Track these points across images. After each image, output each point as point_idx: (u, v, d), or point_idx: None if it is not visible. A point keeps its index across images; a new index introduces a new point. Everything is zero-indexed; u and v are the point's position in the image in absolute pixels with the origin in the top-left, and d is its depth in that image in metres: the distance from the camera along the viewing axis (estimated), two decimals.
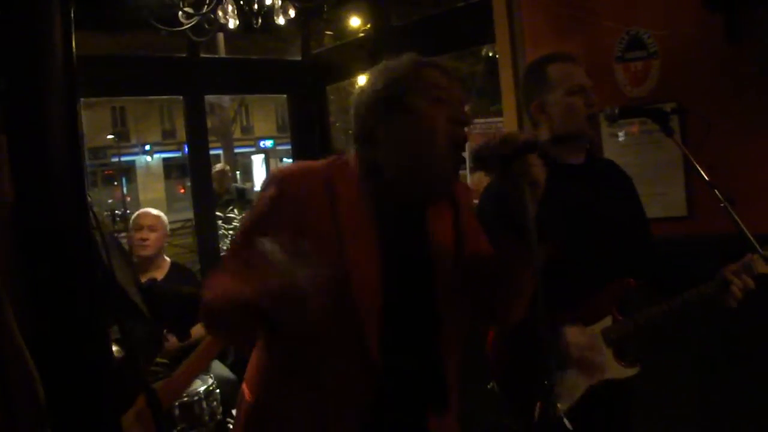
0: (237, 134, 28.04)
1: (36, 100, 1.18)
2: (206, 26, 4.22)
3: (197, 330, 3.15)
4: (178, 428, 3.25)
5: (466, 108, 1.63)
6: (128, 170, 30.69)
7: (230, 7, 4.09)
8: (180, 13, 4.08)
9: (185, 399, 3.28)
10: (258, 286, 1.33)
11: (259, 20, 4.29)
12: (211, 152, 7.06)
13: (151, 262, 4.02)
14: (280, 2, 4.22)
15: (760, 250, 2.10)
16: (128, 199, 28.46)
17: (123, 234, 4.58)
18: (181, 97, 5.61)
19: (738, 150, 3.00)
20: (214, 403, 3.46)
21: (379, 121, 1.60)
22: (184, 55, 5.48)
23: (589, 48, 3.43)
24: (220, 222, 7.01)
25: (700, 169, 2.16)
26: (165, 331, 3.46)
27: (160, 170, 31.80)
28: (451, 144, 1.55)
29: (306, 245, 1.30)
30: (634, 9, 3.32)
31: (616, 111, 2.27)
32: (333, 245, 1.54)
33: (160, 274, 3.99)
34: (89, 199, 1.30)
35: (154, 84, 5.56)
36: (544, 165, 1.46)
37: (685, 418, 3.19)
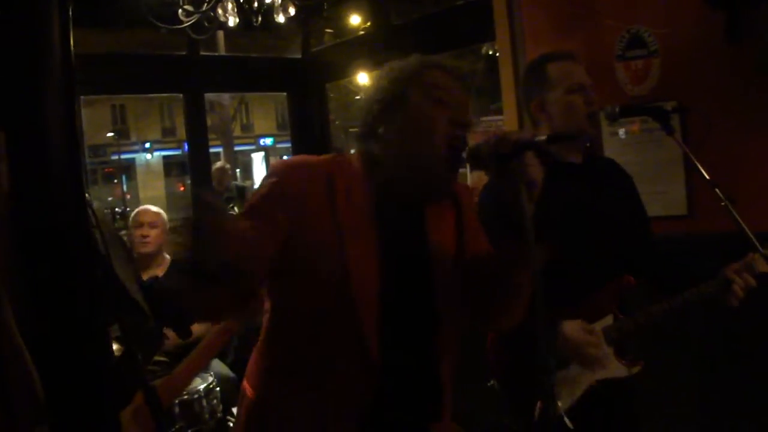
0: (237, 132, 28.01)
1: (34, 98, 1.18)
2: (206, 24, 4.22)
3: (198, 328, 3.14)
4: (178, 426, 3.25)
5: (470, 111, 1.63)
6: (128, 168, 30.66)
7: (230, 5, 4.09)
8: (180, 11, 4.08)
9: (185, 397, 3.27)
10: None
11: (259, 18, 4.29)
12: (211, 150, 7.07)
13: (152, 259, 4.02)
14: (280, 0, 4.21)
15: (761, 249, 2.10)
16: (128, 196, 28.43)
17: (123, 231, 4.58)
18: (181, 95, 5.61)
19: (739, 148, 3.00)
20: (215, 401, 3.45)
21: (382, 118, 1.62)
22: (184, 53, 5.48)
23: (589, 46, 3.43)
24: None
25: (700, 167, 2.16)
26: (165, 328, 3.47)
27: (160, 168, 31.77)
28: (449, 145, 1.55)
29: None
30: (635, 7, 3.31)
31: (617, 109, 2.27)
32: (333, 242, 1.54)
33: (161, 271, 3.99)
34: (88, 196, 1.30)
35: (154, 82, 5.57)
36: (541, 164, 1.46)
37: (685, 416, 3.19)
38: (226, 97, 18.72)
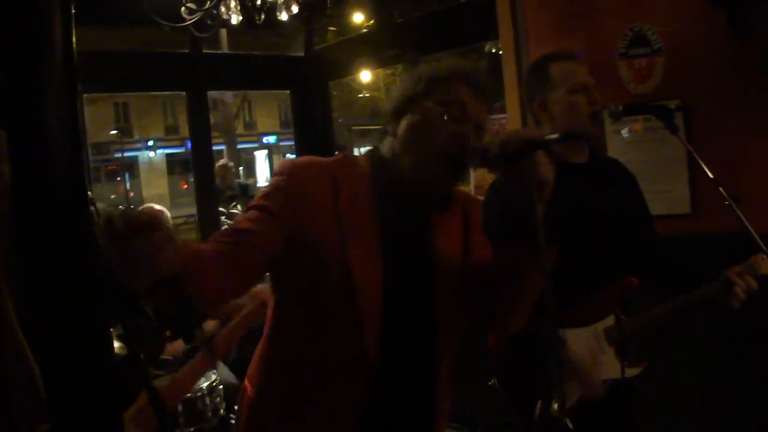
0: (240, 130, 28.02)
1: (36, 96, 1.18)
2: (209, 22, 4.22)
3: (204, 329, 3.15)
4: (181, 424, 3.25)
5: (485, 130, 1.62)
6: (131, 166, 30.73)
7: (233, 3, 4.09)
8: (183, 8, 4.08)
9: (188, 395, 3.28)
10: None
11: (262, 16, 4.28)
12: (214, 148, 7.06)
13: None
14: None
15: (765, 249, 2.10)
16: (131, 194, 28.49)
17: None
18: (184, 93, 5.61)
19: (743, 147, 2.99)
20: (218, 399, 3.46)
21: (395, 117, 1.65)
22: (186, 50, 5.48)
23: (592, 44, 3.42)
24: (223, 218, 7.02)
25: (704, 166, 2.16)
26: (169, 333, 3.49)
27: (163, 166, 31.83)
28: (452, 148, 1.54)
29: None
30: (638, 5, 3.31)
31: (620, 108, 2.27)
32: (336, 241, 1.54)
33: None
34: (91, 195, 1.29)
35: (157, 80, 5.57)
36: (551, 163, 1.44)
37: (686, 417, 3.19)
38: (229, 95, 18.72)
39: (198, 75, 5.44)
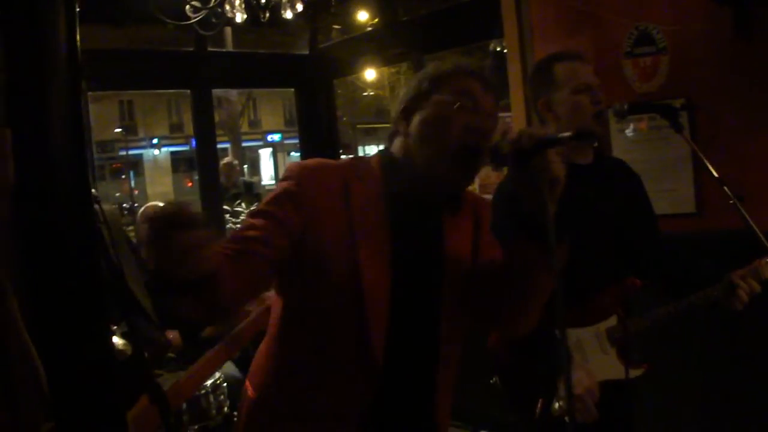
0: (245, 128, 28.04)
1: (40, 95, 1.18)
2: (213, 20, 4.23)
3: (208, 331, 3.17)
4: (185, 422, 3.26)
5: (495, 124, 1.61)
6: (136, 164, 30.77)
7: (237, 1, 4.09)
8: (187, 6, 4.08)
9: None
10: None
11: (267, 14, 4.28)
12: (219, 146, 7.08)
13: None
14: None
15: None
16: (136, 192, 28.53)
17: (130, 227, 4.60)
18: (188, 91, 5.62)
19: (747, 146, 2.99)
20: (221, 396, 3.46)
21: (404, 116, 1.63)
22: (191, 49, 5.49)
23: (597, 43, 3.42)
24: (227, 216, 7.03)
25: (709, 165, 2.15)
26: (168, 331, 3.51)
27: (168, 164, 31.87)
28: (463, 147, 1.53)
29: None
30: (643, 4, 3.30)
31: (625, 107, 2.27)
32: (345, 243, 1.53)
33: None
34: (94, 192, 1.30)
35: (162, 78, 5.58)
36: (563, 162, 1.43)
37: (687, 417, 3.19)
38: (233, 93, 18.73)
39: (203, 73, 5.44)
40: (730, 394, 3.08)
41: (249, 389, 1.71)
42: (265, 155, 33.23)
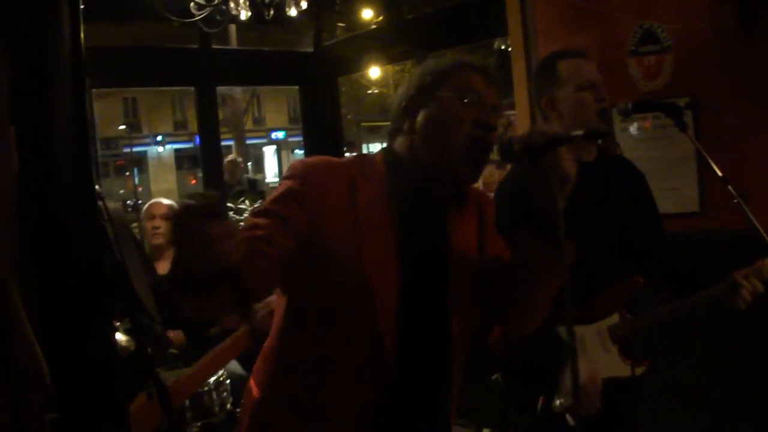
0: (249, 125, 28.00)
1: (44, 92, 1.18)
2: (218, 18, 4.24)
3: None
4: (188, 419, 3.26)
5: (499, 117, 1.61)
6: (140, 161, 30.77)
7: None
8: (192, 4, 4.09)
9: None
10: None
11: (271, 12, 4.29)
12: (223, 143, 7.09)
13: (164, 250, 4.04)
14: None
15: None
16: (140, 189, 28.54)
17: (135, 224, 4.61)
18: (193, 88, 5.62)
19: (752, 145, 2.98)
20: (224, 393, 3.46)
21: (408, 113, 1.62)
22: (196, 46, 5.49)
23: (602, 42, 3.41)
24: (231, 213, 7.03)
25: (713, 164, 2.15)
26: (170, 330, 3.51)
27: (172, 161, 31.86)
28: (470, 143, 1.53)
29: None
30: (648, 2, 3.30)
31: (630, 105, 2.26)
32: (352, 242, 1.52)
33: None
34: (98, 189, 1.30)
35: (166, 75, 5.59)
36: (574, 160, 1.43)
37: (688, 417, 3.19)
38: (237, 91, 18.74)
39: (207, 70, 5.46)
40: (732, 393, 3.08)
41: (253, 389, 1.69)
42: (269, 153, 33.19)
